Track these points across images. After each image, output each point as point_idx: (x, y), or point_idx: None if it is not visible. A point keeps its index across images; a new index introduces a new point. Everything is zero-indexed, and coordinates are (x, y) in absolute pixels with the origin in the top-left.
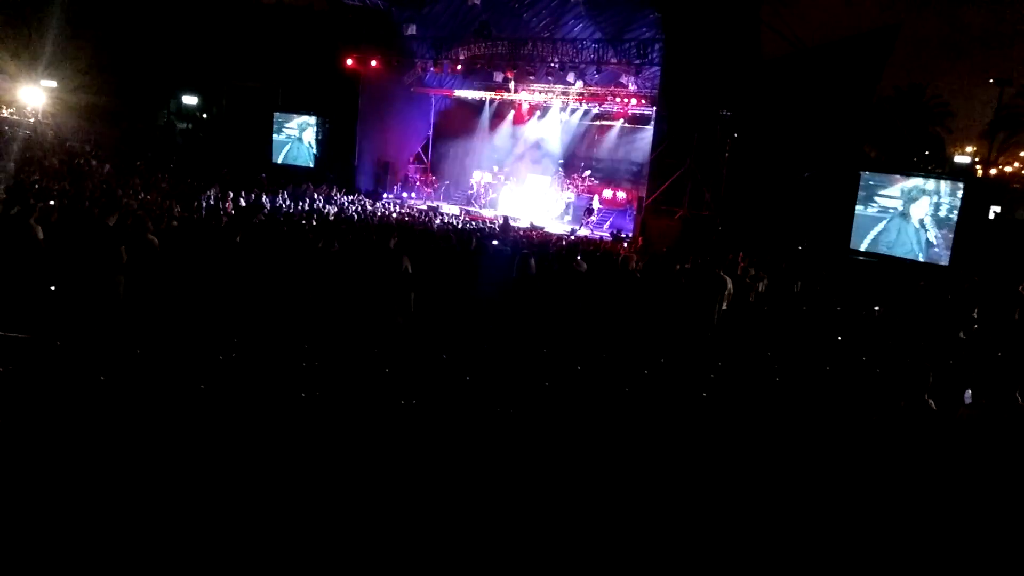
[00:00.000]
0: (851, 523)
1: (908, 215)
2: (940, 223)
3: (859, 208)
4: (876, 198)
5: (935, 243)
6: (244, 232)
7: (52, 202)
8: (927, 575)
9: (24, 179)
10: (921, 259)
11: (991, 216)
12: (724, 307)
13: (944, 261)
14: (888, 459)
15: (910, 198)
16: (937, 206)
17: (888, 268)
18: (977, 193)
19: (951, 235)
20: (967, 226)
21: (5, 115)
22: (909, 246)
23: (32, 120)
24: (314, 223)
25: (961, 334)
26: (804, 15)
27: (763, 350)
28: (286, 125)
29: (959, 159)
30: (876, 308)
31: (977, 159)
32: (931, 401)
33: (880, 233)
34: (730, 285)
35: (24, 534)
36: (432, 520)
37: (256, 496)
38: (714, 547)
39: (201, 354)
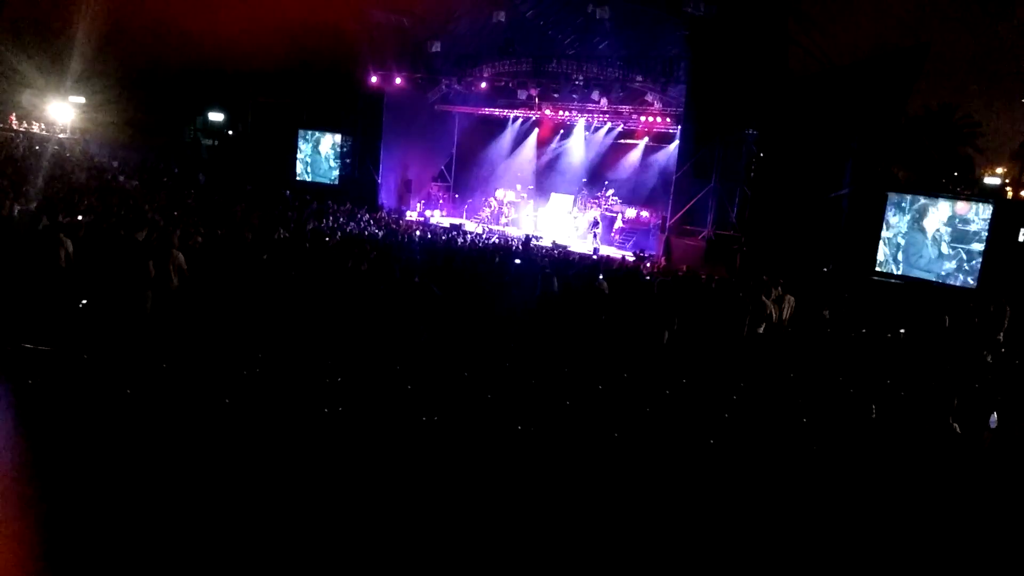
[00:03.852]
0: (873, 544)
1: (926, 233)
2: (968, 244)
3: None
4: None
5: (962, 265)
6: (270, 249)
7: (80, 217)
8: None
9: (53, 194)
10: (950, 282)
11: (1021, 238)
12: (761, 331)
13: (972, 283)
14: (913, 481)
15: (937, 217)
16: (966, 227)
17: (915, 291)
18: (1007, 215)
19: (979, 257)
20: (996, 248)
21: (35, 130)
22: (933, 267)
23: (61, 135)
24: (338, 241)
25: (988, 357)
26: (833, 33)
27: (787, 372)
28: (310, 142)
29: (989, 180)
30: (902, 331)
31: (1007, 180)
32: (956, 425)
33: (904, 252)
34: (771, 309)
35: (50, 541)
36: (451, 536)
37: (278, 510)
38: (730, 567)
39: (226, 369)
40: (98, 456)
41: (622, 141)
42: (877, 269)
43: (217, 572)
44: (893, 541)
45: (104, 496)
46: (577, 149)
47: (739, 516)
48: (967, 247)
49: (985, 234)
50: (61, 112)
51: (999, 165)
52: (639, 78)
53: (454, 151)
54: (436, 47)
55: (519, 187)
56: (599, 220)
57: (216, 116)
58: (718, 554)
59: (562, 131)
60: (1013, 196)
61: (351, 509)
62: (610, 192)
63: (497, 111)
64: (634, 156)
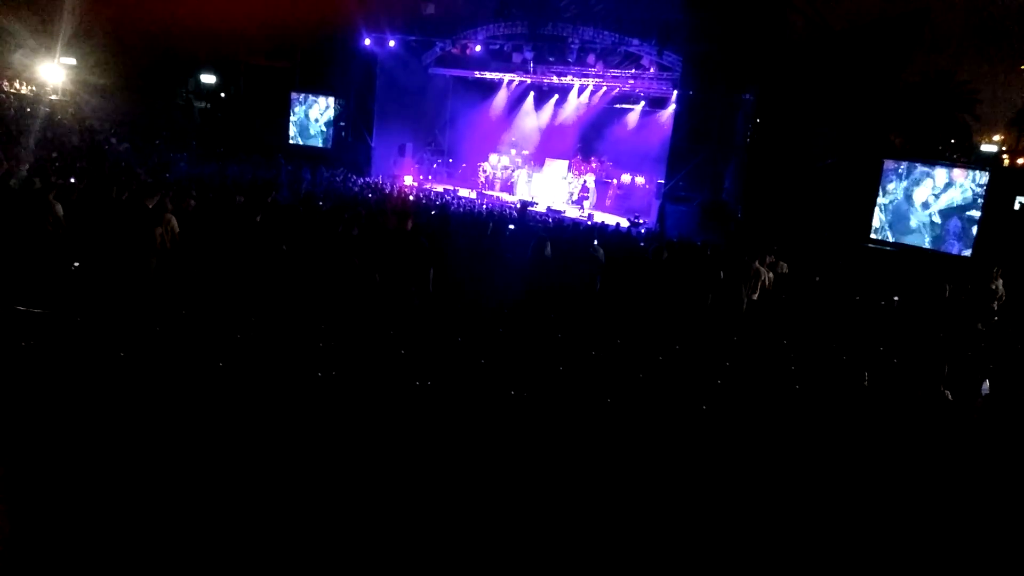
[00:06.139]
0: (863, 515)
1: (922, 200)
2: (964, 212)
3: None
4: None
5: (957, 233)
6: (263, 213)
7: (72, 180)
8: (938, 568)
9: (44, 156)
10: (945, 250)
11: (1016, 207)
12: (756, 297)
13: (967, 251)
14: (905, 448)
15: (933, 185)
16: (962, 195)
17: (909, 258)
18: (1003, 183)
19: (975, 225)
20: (992, 216)
21: (25, 92)
22: (928, 235)
23: (52, 98)
24: (332, 206)
25: (980, 325)
26: None
27: (780, 339)
28: (303, 105)
29: (986, 148)
30: (896, 298)
31: (1004, 148)
32: (947, 392)
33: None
34: (765, 276)
35: (40, 506)
36: (443, 501)
37: (270, 475)
38: (721, 539)
39: (220, 332)
40: (91, 419)
41: (618, 106)
42: (872, 236)
43: (210, 535)
44: (884, 508)
45: (96, 459)
46: (572, 114)
47: (730, 482)
48: (963, 215)
49: (981, 202)
50: (52, 74)
51: (996, 133)
52: (636, 42)
53: (448, 116)
54: (430, 9)
55: (513, 152)
56: (593, 186)
57: (208, 78)
58: (709, 520)
59: (557, 95)
60: (1009, 164)
61: (343, 473)
62: (604, 157)
63: (492, 75)
64: (630, 121)
